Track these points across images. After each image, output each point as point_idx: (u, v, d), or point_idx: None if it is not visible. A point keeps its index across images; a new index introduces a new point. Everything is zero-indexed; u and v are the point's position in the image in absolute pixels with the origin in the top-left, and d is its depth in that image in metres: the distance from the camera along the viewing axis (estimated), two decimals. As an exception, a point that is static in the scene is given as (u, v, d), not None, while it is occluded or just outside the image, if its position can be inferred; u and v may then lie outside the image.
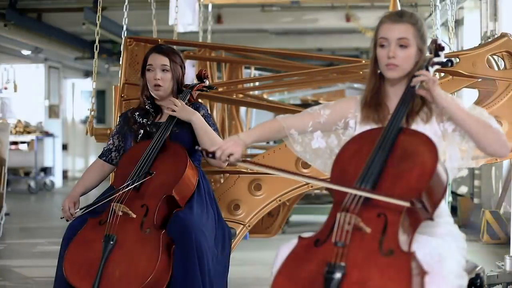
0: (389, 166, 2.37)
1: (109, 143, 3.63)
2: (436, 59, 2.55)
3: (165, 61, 3.51)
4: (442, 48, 2.56)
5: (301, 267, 2.24)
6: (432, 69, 2.54)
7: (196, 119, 3.43)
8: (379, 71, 2.58)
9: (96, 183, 3.59)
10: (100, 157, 3.63)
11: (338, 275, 2.14)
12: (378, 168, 2.36)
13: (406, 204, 2.22)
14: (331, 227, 2.29)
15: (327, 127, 2.68)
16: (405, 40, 2.49)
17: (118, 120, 3.71)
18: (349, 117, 2.67)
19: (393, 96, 2.59)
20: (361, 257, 2.18)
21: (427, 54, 2.59)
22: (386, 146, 2.40)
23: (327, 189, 2.46)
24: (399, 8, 6.35)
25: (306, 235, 2.36)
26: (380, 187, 2.33)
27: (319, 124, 2.68)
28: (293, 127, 2.67)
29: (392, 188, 2.32)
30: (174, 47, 5.91)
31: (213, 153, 2.54)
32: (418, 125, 2.52)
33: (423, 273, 2.17)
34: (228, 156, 2.54)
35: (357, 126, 2.64)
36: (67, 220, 3.40)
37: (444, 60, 2.55)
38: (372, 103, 2.60)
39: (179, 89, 3.59)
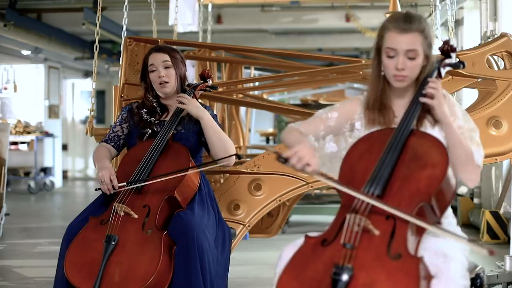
0: (399, 168, 2.36)
1: (116, 130, 3.55)
2: (448, 61, 2.53)
3: (166, 57, 3.49)
4: (454, 49, 2.53)
5: (308, 267, 2.23)
6: (444, 71, 2.52)
7: (206, 116, 3.40)
8: (382, 73, 2.54)
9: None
10: (106, 142, 3.53)
11: (345, 276, 2.13)
12: (388, 169, 2.34)
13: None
14: (339, 228, 2.29)
15: (337, 130, 2.66)
16: (414, 52, 2.45)
17: (122, 111, 3.62)
18: (355, 119, 2.65)
19: (398, 99, 2.58)
20: (369, 260, 2.17)
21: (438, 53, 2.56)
22: (397, 148, 2.38)
23: (336, 190, 2.43)
24: (399, 8, 6.35)
25: (312, 234, 2.35)
26: (390, 190, 2.32)
27: (330, 128, 2.65)
28: (310, 133, 2.63)
29: (402, 190, 2.31)
30: (174, 47, 5.92)
31: (287, 159, 2.35)
32: (426, 128, 2.51)
33: (429, 277, 2.17)
34: (304, 166, 2.34)
35: (363, 129, 2.62)
36: (104, 194, 3.28)
37: (456, 61, 2.53)
38: (377, 106, 2.57)
39: (183, 87, 3.57)
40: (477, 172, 2.47)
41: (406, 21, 2.45)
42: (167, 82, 3.47)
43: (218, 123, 3.50)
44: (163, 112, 3.55)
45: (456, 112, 2.51)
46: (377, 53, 2.54)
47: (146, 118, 3.51)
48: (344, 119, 2.66)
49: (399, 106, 2.56)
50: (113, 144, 3.54)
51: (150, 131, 3.47)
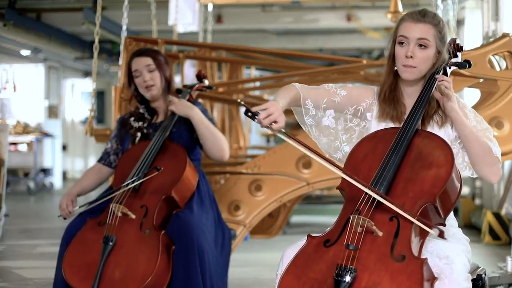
0: (403, 168, 2.34)
1: (107, 146, 3.62)
2: (454, 60, 2.52)
3: (149, 61, 3.49)
4: (461, 48, 2.53)
5: (310, 267, 2.22)
6: (449, 70, 2.51)
7: (195, 114, 3.42)
8: (395, 68, 2.53)
9: (94, 186, 3.57)
10: (98, 161, 3.61)
11: (348, 278, 2.13)
12: (393, 170, 2.33)
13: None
14: (342, 228, 2.27)
15: (340, 108, 2.59)
16: (425, 40, 2.44)
17: (116, 125, 3.69)
18: (362, 106, 2.60)
19: (410, 95, 2.55)
20: (372, 261, 2.16)
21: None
22: (401, 148, 2.36)
23: (340, 187, 2.41)
24: (401, 8, 6.33)
25: (315, 234, 2.33)
26: (394, 190, 2.30)
27: (333, 103, 2.57)
28: (310, 99, 2.54)
29: (406, 192, 2.29)
30: (174, 47, 5.89)
31: (255, 114, 2.27)
32: (433, 129, 2.49)
33: (433, 278, 2.16)
34: (271, 123, 2.29)
35: (373, 120, 2.58)
36: (65, 218, 3.37)
37: (462, 61, 2.52)
38: (390, 99, 2.55)
39: (169, 88, 3.57)
40: (498, 165, 2.45)
41: (421, 13, 2.49)
42: (153, 85, 3.48)
43: (209, 118, 3.51)
44: (152, 116, 3.55)
45: (467, 114, 2.50)
46: (392, 46, 2.53)
47: (135, 125, 3.52)
48: (351, 101, 2.59)
49: (411, 103, 2.53)
50: (102, 162, 3.59)
51: (140, 134, 3.48)
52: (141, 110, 3.55)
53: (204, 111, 3.53)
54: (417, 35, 2.45)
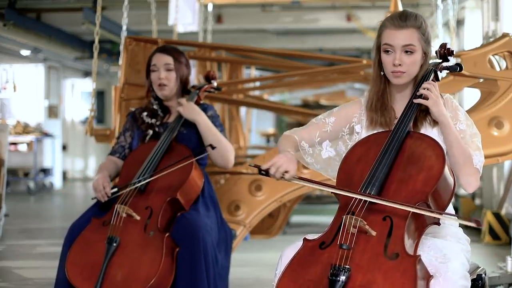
0: (395, 170, 2.36)
1: (119, 140, 3.58)
2: (445, 64, 2.54)
3: (169, 60, 3.48)
4: (451, 53, 2.55)
5: (306, 270, 2.24)
6: (440, 74, 2.53)
7: (201, 119, 3.41)
8: (382, 73, 2.54)
9: (115, 175, 3.51)
10: (112, 154, 3.55)
11: (342, 277, 2.15)
12: (385, 172, 2.35)
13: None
14: (337, 230, 2.29)
15: (334, 135, 2.65)
16: (410, 46, 2.45)
17: (126, 119, 3.66)
18: (354, 122, 2.64)
19: (399, 99, 2.57)
20: (365, 260, 2.18)
21: (436, 57, 2.57)
22: (393, 150, 2.38)
23: (333, 193, 2.43)
24: (400, 8, 6.33)
25: (311, 236, 2.35)
26: (386, 191, 2.32)
27: (326, 134, 2.64)
28: (303, 139, 2.63)
29: (398, 192, 2.31)
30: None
31: (267, 171, 2.42)
32: (426, 129, 2.50)
33: (428, 276, 2.18)
34: (283, 174, 2.43)
35: (363, 131, 2.61)
36: (99, 201, 3.29)
37: (453, 64, 2.54)
38: (378, 106, 2.56)
39: (184, 89, 3.57)
40: (476, 176, 2.45)
41: (402, 18, 2.48)
42: (166, 85, 3.47)
43: (219, 123, 3.49)
44: (165, 114, 3.54)
45: (458, 116, 2.51)
46: (377, 52, 2.54)
47: (148, 121, 3.50)
48: (342, 123, 2.65)
49: (401, 106, 2.54)
50: (117, 155, 3.55)
51: (151, 132, 3.47)
52: (154, 106, 3.54)
53: (215, 116, 3.52)
54: (401, 42, 2.45)
